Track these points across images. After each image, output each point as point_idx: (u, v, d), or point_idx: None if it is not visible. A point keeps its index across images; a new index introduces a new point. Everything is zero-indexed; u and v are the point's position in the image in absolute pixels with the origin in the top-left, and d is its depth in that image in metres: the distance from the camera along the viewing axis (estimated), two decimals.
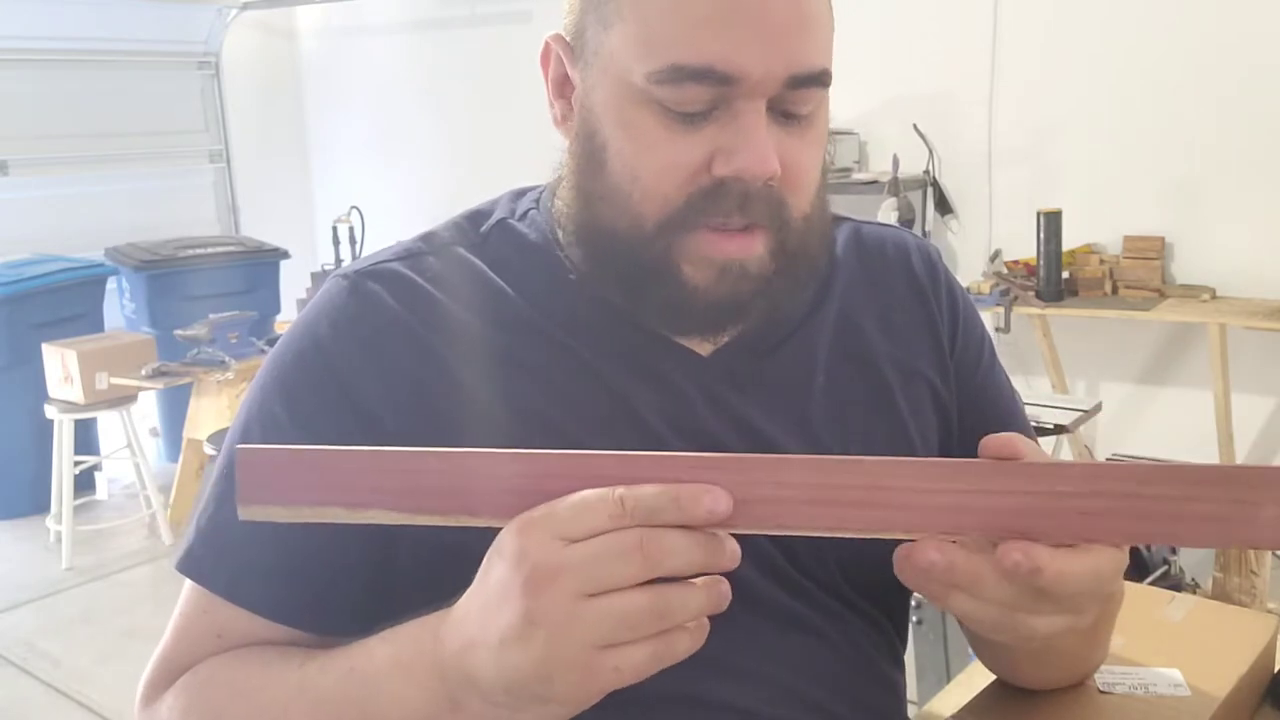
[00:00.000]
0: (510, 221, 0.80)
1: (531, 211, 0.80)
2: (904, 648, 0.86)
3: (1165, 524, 0.50)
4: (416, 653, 0.60)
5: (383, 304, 0.73)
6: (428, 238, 0.79)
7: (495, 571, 0.54)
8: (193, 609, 0.74)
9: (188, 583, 0.75)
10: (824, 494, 0.52)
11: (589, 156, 0.70)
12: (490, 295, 0.75)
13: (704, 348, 0.76)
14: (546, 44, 0.74)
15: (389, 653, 0.62)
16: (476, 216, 0.81)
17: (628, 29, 0.66)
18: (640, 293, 0.71)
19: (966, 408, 0.84)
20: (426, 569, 0.69)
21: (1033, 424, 1.10)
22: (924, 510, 0.52)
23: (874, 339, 0.81)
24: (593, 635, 0.51)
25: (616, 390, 0.74)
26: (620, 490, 0.52)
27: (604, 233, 0.70)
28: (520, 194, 0.83)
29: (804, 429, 0.77)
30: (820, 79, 0.67)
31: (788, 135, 0.68)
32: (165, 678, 0.74)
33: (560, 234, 0.77)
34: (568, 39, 0.73)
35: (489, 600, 0.55)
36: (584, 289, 0.76)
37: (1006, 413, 0.85)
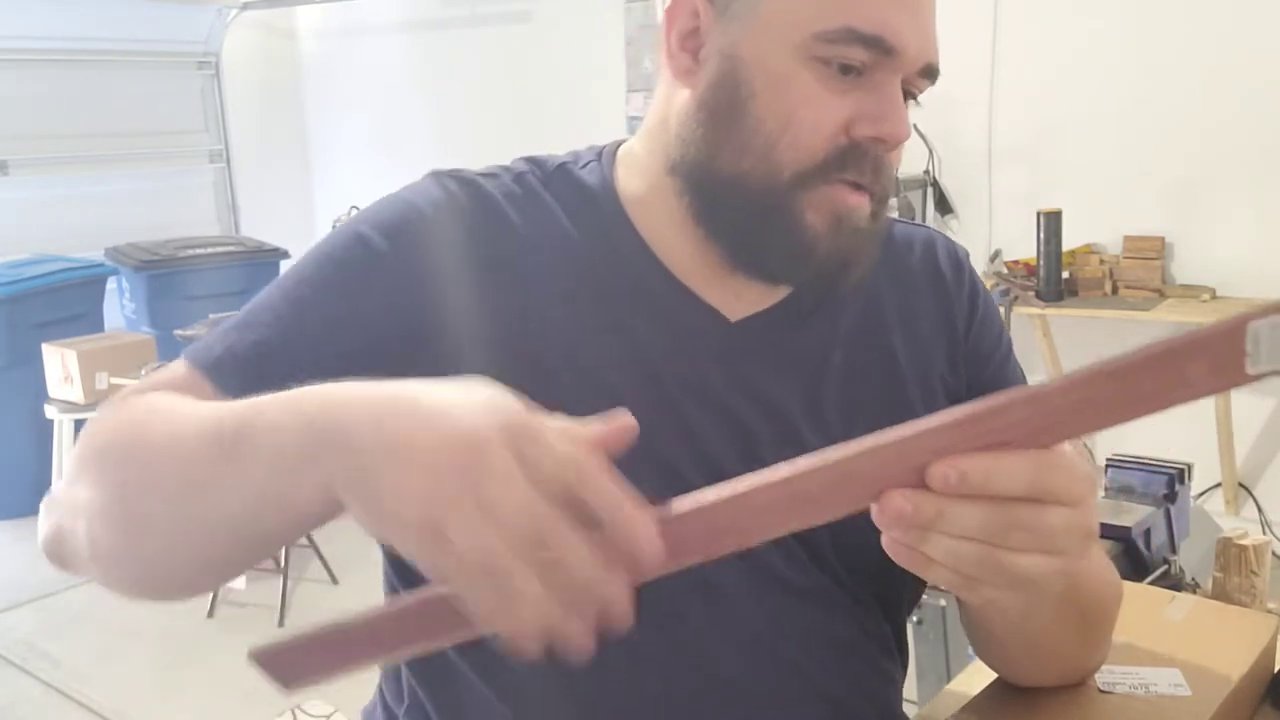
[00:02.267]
0: (570, 166, 0.84)
1: (592, 163, 0.84)
2: (898, 638, 0.87)
3: (1112, 413, 0.51)
4: (311, 397, 0.54)
5: (454, 207, 0.79)
6: (504, 167, 0.84)
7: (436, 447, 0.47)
8: (181, 378, 0.71)
9: (182, 359, 0.73)
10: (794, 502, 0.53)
11: (727, 105, 0.73)
12: (548, 222, 0.80)
13: (734, 312, 0.80)
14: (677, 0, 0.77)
15: (289, 394, 0.55)
16: (538, 159, 0.85)
17: None
18: (759, 238, 0.75)
19: (976, 397, 0.84)
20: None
21: None
22: (887, 480, 0.53)
23: (893, 331, 0.84)
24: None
25: (639, 337, 0.78)
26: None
27: (728, 178, 0.74)
28: (579, 152, 0.87)
29: (813, 406, 0.80)
30: (936, 74, 0.75)
31: None
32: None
33: (621, 185, 0.81)
34: None
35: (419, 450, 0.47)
36: (631, 239, 0.80)
37: None
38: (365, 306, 0.74)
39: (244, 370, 0.70)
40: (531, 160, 0.85)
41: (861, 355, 0.82)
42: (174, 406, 0.63)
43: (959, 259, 0.89)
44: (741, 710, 0.77)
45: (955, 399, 0.84)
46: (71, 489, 0.63)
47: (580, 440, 0.48)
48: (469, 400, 0.49)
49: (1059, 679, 0.82)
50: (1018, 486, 0.52)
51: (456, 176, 0.81)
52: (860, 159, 0.72)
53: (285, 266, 5.19)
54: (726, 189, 0.75)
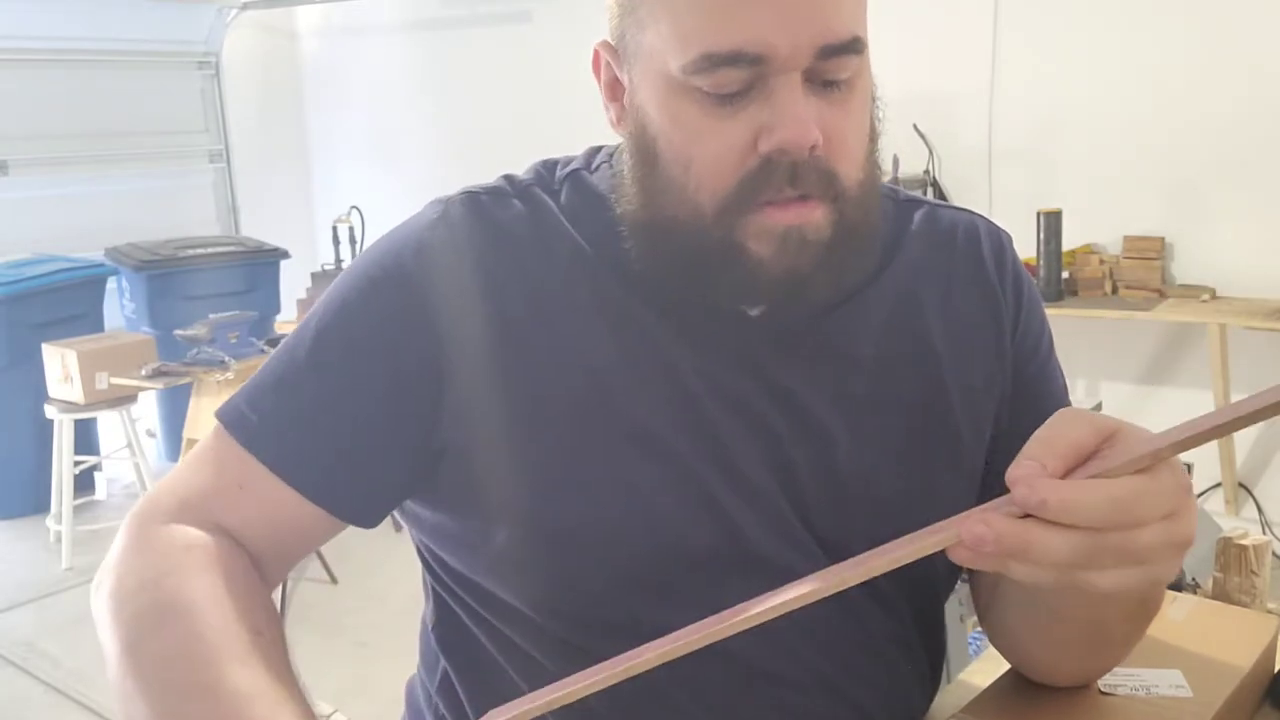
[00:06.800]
0: (583, 172, 0.82)
1: (603, 166, 0.82)
2: (928, 645, 0.86)
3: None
4: None
5: (461, 236, 0.77)
6: (510, 179, 0.82)
7: None
8: (225, 456, 0.77)
9: (218, 427, 0.78)
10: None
11: (644, 151, 0.73)
12: (557, 236, 0.78)
13: (755, 308, 0.77)
14: (595, 51, 0.77)
15: None
16: (552, 164, 0.84)
17: (660, 27, 0.69)
18: (708, 277, 0.72)
19: (1019, 394, 0.84)
20: (464, 489, 0.76)
21: None
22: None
23: (932, 318, 0.82)
24: None
25: (659, 341, 0.76)
26: None
27: (666, 224, 0.72)
28: (597, 150, 0.85)
29: (843, 400, 0.78)
30: (851, 46, 0.68)
31: (828, 105, 0.69)
32: (172, 511, 0.77)
33: (623, 197, 0.79)
34: (613, 44, 0.75)
35: None
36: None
37: (1056, 407, 0.85)
38: (385, 360, 0.76)
39: (281, 441, 0.76)
40: (544, 166, 0.84)
41: (896, 347, 0.80)
42: (188, 635, 0.73)
43: (1001, 244, 0.86)
44: (747, 691, 0.77)
45: (999, 392, 0.82)
46: (109, 623, 0.79)
47: None
48: None
49: (1069, 675, 0.81)
50: (1098, 518, 0.52)
51: (459, 202, 0.79)
52: (773, 174, 0.68)
53: (285, 266, 5.16)
54: (666, 235, 0.72)
